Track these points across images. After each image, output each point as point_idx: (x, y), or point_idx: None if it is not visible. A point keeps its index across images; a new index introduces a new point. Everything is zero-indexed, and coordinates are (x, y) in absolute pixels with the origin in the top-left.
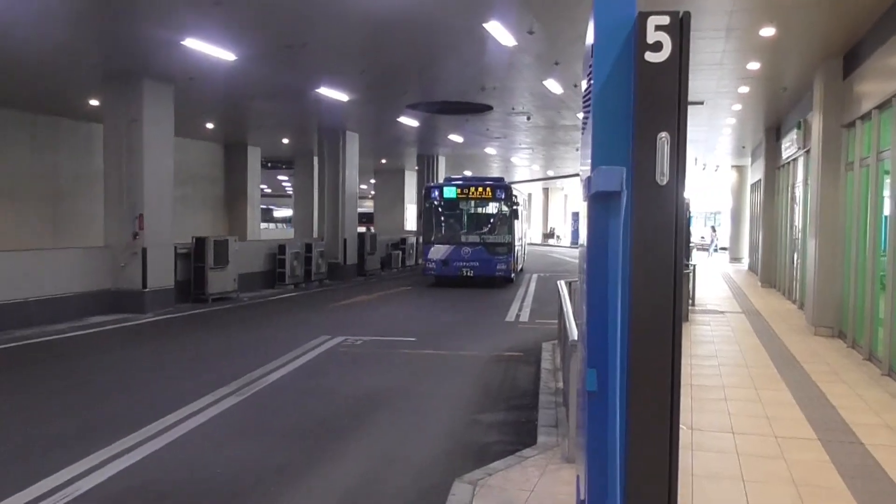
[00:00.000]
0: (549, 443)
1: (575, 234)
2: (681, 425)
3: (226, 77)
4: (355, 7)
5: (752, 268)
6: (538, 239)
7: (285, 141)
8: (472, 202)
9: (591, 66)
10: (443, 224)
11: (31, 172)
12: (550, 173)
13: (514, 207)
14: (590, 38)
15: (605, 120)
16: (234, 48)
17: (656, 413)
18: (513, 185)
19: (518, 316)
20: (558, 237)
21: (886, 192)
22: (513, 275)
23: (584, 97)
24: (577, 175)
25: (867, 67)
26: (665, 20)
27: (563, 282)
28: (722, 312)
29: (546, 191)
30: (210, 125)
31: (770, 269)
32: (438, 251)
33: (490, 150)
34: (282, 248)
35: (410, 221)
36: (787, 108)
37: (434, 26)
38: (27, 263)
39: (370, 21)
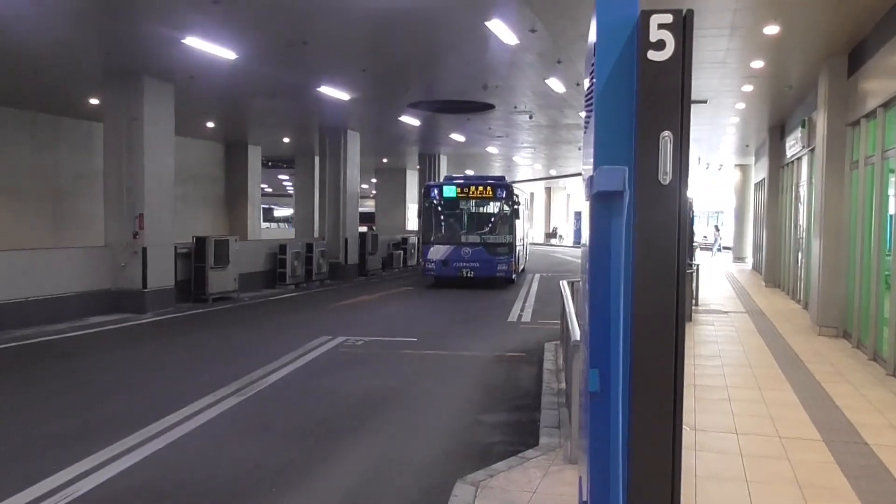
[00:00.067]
0: (552, 444)
1: (577, 233)
2: (684, 426)
3: (226, 75)
4: (357, 5)
5: (755, 267)
6: (540, 239)
7: (286, 140)
8: (473, 201)
9: (593, 65)
10: (442, 224)
11: (31, 171)
12: (553, 172)
13: (516, 207)
14: (592, 37)
15: (607, 119)
16: (234, 46)
17: (659, 413)
18: (514, 184)
19: (520, 316)
20: (561, 237)
21: (891, 191)
22: (514, 275)
23: (586, 96)
24: (580, 174)
25: (872, 65)
26: (668, 18)
27: (565, 282)
28: (725, 312)
29: (548, 190)
30: (210, 124)
31: (774, 269)
32: (438, 251)
33: (492, 150)
34: (283, 248)
35: (412, 221)
36: (791, 106)
37: (436, 24)
38: (27, 263)
39: (372, 19)
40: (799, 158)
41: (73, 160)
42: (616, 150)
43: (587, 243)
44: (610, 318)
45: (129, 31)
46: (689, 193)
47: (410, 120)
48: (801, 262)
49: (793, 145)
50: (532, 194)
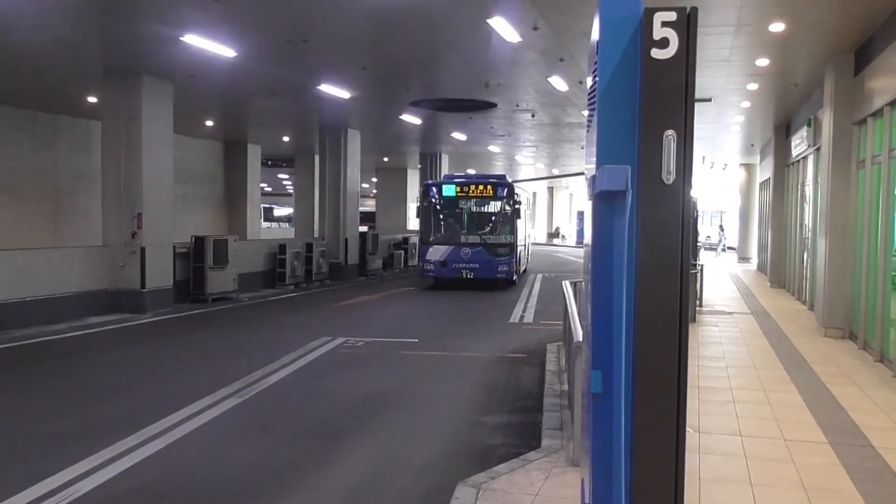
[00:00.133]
0: (554, 446)
1: (580, 233)
2: (687, 428)
3: (226, 74)
4: (357, 2)
5: (760, 268)
6: (543, 239)
7: (286, 139)
8: (473, 200)
9: (596, 63)
10: (442, 223)
11: (30, 170)
12: (555, 172)
13: (517, 206)
14: (595, 34)
15: (610, 117)
16: (234, 44)
17: (662, 415)
18: (515, 183)
19: (522, 317)
20: (563, 237)
21: None
22: (515, 277)
23: (589, 94)
24: (583, 173)
25: (879, 63)
26: (672, 16)
27: (567, 282)
28: (730, 313)
29: (551, 189)
30: (210, 123)
31: (779, 269)
32: (437, 252)
33: (494, 148)
34: (282, 248)
35: (413, 221)
36: (797, 104)
37: (437, 22)
38: (25, 263)
39: (372, 16)
40: (805, 157)
41: (73, 159)
42: (619, 148)
43: (589, 243)
44: (612, 319)
45: (128, 29)
46: (693, 193)
47: (411, 118)
48: (807, 263)
49: (798, 144)
50: (534, 193)
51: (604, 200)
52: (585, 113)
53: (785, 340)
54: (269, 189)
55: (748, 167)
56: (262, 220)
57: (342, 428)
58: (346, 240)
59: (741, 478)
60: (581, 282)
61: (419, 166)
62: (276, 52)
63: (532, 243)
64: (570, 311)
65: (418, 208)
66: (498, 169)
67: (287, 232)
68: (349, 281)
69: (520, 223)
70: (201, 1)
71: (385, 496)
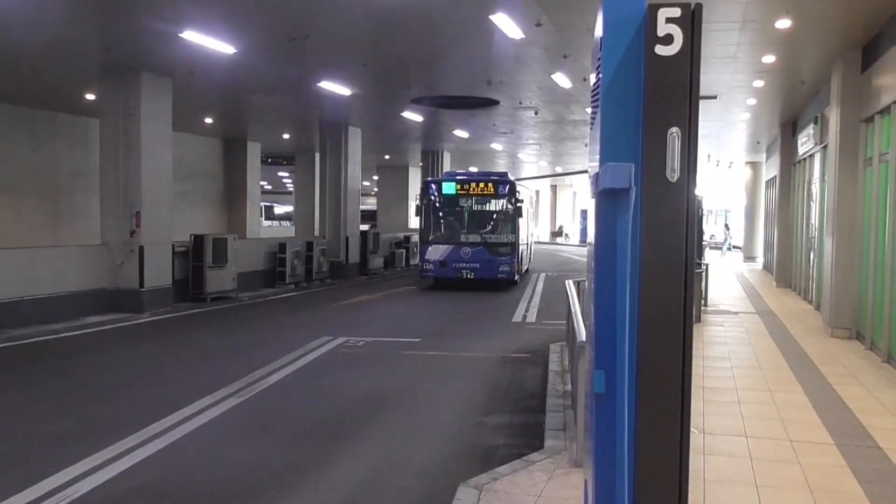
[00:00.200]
0: (557, 446)
1: (584, 232)
2: (692, 429)
3: (225, 70)
4: None
5: (766, 267)
6: (546, 237)
7: (286, 136)
8: (473, 199)
9: (599, 60)
10: (441, 222)
11: (29, 168)
12: (559, 170)
13: (518, 204)
14: (598, 31)
15: (613, 115)
16: (234, 41)
17: (666, 415)
18: (517, 181)
19: (525, 316)
20: (567, 235)
21: None
22: (517, 277)
23: (592, 91)
24: (586, 171)
25: (886, 60)
26: (676, 12)
27: (571, 281)
28: (735, 313)
29: (554, 188)
30: (209, 120)
31: (785, 269)
32: (437, 251)
33: (496, 146)
34: (282, 247)
35: (414, 219)
36: (803, 102)
37: (439, 18)
38: (23, 261)
39: (374, 12)
40: (811, 155)
41: (71, 157)
42: (622, 146)
43: (593, 242)
44: (616, 318)
45: (126, 25)
46: (698, 191)
47: (413, 116)
48: (813, 262)
49: (805, 142)
50: (537, 192)
51: (607, 198)
52: (589, 110)
53: (791, 341)
54: (269, 187)
55: (754, 165)
56: (263, 218)
57: (342, 428)
58: (347, 238)
59: (746, 479)
60: (584, 281)
61: (421, 164)
62: (276, 48)
63: (535, 242)
64: (573, 310)
65: (418, 206)
66: (501, 167)
67: (289, 230)
68: (350, 280)
69: (522, 222)
70: None
71: (386, 497)
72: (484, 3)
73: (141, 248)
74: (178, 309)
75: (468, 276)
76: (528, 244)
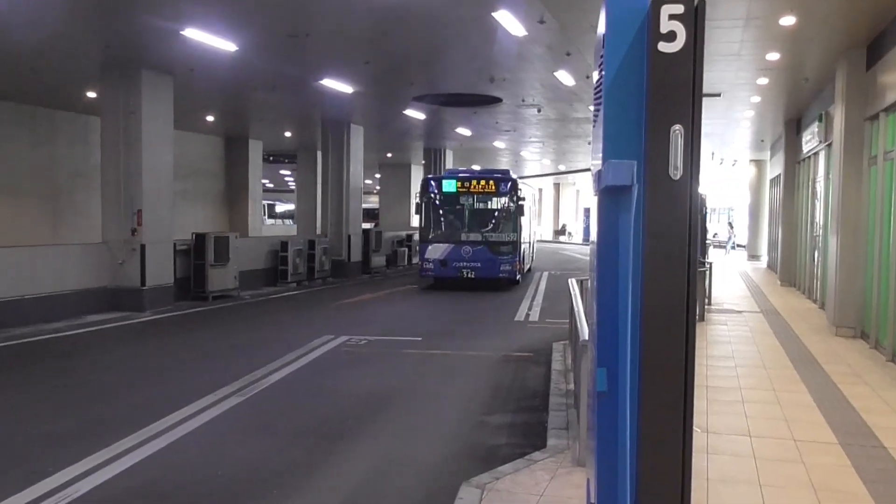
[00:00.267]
0: (560, 446)
1: (587, 230)
2: (695, 428)
3: (227, 68)
4: None
5: (770, 266)
6: (549, 236)
7: (288, 134)
8: (474, 196)
9: (602, 57)
10: (442, 220)
11: (29, 167)
12: (562, 168)
13: (520, 202)
14: (601, 28)
15: (616, 112)
16: (235, 38)
17: (669, 414)
18: (519, 179)
19: (528, 315)
20: (570, 234)
21: None
22: (518, 276)
23: (595, 89)
24: (589, 170)
25: (891, 58)
26: (679, 9)
27: (573, 280)
28: (739, 312)
29: (557, 186)
30: (210, 118)
31: (790, 268)
32: (437, 250)
33: (499, 144)
34: (284, 245)
35: (415, 217)
36: (807, 100)
37: (441, 15)
38: (24, 260)
39: (375, 9)
40: (816, 153)
41: (72, 155)
42: (625, 143)
43: (595, 239)
44: (618, 316)
45: (127, 22)
46: (702, 189)
47: (415, 113)
48: (818, 261)
49: (809, 140)
50: (540, 190)
51: (609, 196)
52: (592, 108)
53: (795, 339)
54: (271, 185)
55: (758, 163)
56: (266, 216)
57: (344, 427)
58: (349, 237)
59: (750, 478)
60: (587, 280)
61: (423, 162)
62: (277, 46)
63: (538, 241)
64: (576, 309)
65: (417, 204)
66: (503, 165)
67: (291, 229)
68: (352, 278)
69: (524, 220)
70: None
71: (387, 496)
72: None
73: (142, 247)
74: (179, 307)
75: (469, 275)
76: (530, 243)
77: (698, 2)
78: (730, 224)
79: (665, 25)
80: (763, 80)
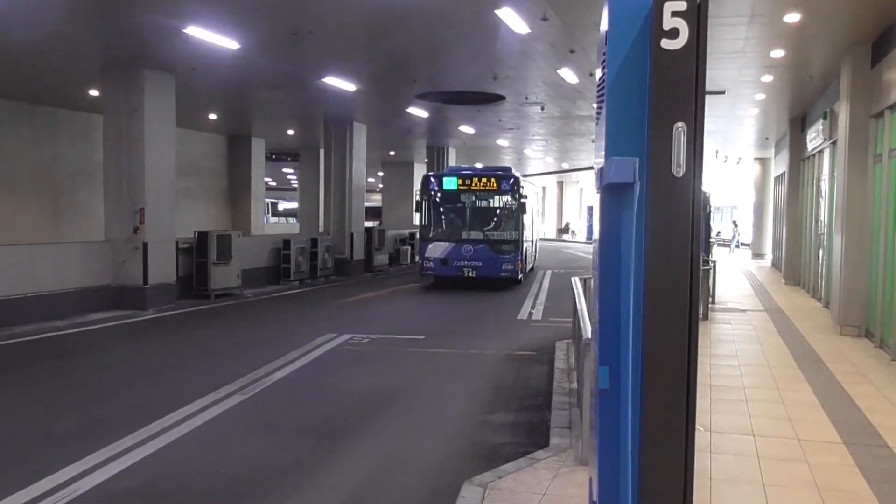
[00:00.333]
0: (563, 444)
1: (590, 229)
2: (698, 427)
3: (229, 66)
4: None
5: (775, 264)
6: (552, 234)
7: (290, 132)
8: (475, 194)
9: (605, 54)
10: (442, 218)
11: (31, 165)
12: (565, 166)
13: (523, 200)
14: (604, 25)
15: (619, 109)
16: (237, 36)
17: (671, 412)
18: (522, 177)
19: (531, 314)
20: (573, 232)
21: None
22: (520, 275)
23: (598, 86)
24: (593, 168)
25: None
26: (682, 6)
27: (577, 278)
28: (743, 311)
29: (560, 184)
30: (213, 116)
31: (794, 266)
32: (437, 249)
33: (502, 142)
34: (287, 244)
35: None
36: (812, 97)
37: (444, 13)
38: (26, 258)
39: (377, 7)
40: (820, 151)
41: (73, 154)
42: (628, 141)
43: (597, 237)
44: (620, 314)
45: (129, 20)
46: (706, 187)
47: (418, 111)
48: (822, 259)
49: (814, 138)
50: (543, 188)
51: (611, 193)
52: (595, 105)
53: (799, 338)
54: (274, 184)
55: (763, 161)
56: (269, 215)
57: (347, 425)
58: (352, 235)
59: (753, 478)
60: (591, 278)
61: (426, 160)
62: (280, 44)
63: (541, 239)
64: (579, 308)
65: (418, 202)
66: (506, 163)
67: (293, 227)
68: (355, 277)
69: (526, 219)
70: None
71: (390, 495)
72: None
73: (145, 245)
74: (181, 306)
75: (469, 274)
76: (533, 241)
77: None
78: (734, 222)
79: (668, 22)
80: (767, 78)
